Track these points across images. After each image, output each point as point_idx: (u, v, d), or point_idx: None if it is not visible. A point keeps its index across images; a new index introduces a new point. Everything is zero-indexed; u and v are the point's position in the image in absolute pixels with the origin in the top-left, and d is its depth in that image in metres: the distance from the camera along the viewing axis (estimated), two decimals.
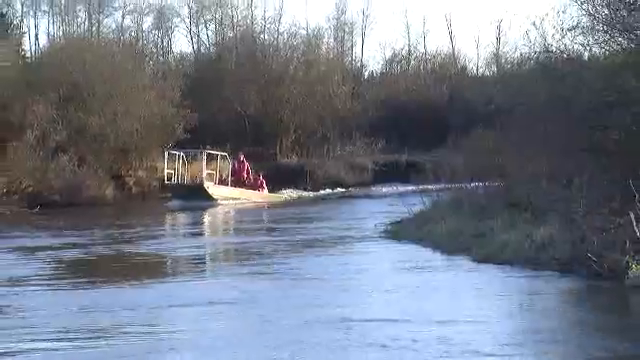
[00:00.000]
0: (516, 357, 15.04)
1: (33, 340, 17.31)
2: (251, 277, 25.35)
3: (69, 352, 16.23)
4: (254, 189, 55.58)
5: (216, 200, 51.93)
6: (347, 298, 21.41)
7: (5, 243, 35.71)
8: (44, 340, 17.24)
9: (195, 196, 50.54)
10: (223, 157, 56.56)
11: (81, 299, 22.28)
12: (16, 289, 24.18)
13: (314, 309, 19.85)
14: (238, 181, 55.22)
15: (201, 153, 55.10)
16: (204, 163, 54.17)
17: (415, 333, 16.57)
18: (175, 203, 50.86)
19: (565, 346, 16.01)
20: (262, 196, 55.28)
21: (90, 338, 17.35)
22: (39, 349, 16.57)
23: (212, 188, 52.93)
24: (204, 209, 49.25)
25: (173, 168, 54.96)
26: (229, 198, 52.88)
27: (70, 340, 17.10)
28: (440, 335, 16.37)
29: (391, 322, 17.88)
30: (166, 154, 55.22)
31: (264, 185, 56.61)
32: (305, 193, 60.12)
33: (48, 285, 25.49)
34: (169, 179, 54.48)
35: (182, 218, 47.29)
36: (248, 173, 56.19)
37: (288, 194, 58.67)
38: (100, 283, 25.51)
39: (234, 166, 56.35)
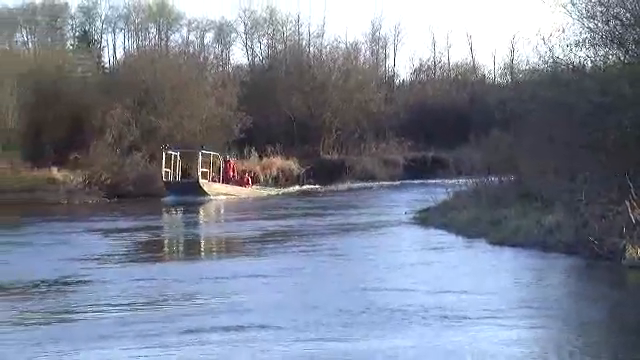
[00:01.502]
0: (523, 320, 15.31)
1: (106, 305, 18.09)
2: (292, 254, 25.73)
3: (133, 315, 16.83)
4: (240, 186, 53.55)
5: (209, 196, 50.10)
6: (375, 272, 21.77)
7: (89, 226, 36.28)
8: (115, 305, 17.97)
9: (190, 192, 49.09)
10: (215, 157, 54.33)
11: (147, 272, 22.86)
12: (97, 263, 24.86)
13: (345, 281, 20.33)
14: (225, 179, 53.50)
15: (197, 153, 52.55)
16: (200, 162, 51.93)
17: (426, 301, 16.92)
18: (170, 198, 48.75)
19: (565, 313, 16.32)
20: (247, 192, 53.18)
21: (151, 303, 18.01)
22: (111, 311, 17.36)
23: (206, 185, 51.08)
24: (202, 203, 48.09)
25: (170, 167, 52.16)
26: (220, 193, 50.87)
27: (135, 305, 17.82)
28: (448, 302, 16.75)
29: (409, 291, 18.27)
30: (164, 154, 51.91)
31: (250, 182, 54.91)
32: (291, 188, 57.80)
33: (121, 260, 26.15)
34: (166, 177, 51.72)
35: (223, 208, 46.67)
36: (234, 171, 54.35)
37: (273, 190, 56.46)
38: (164, 259, 26.01)
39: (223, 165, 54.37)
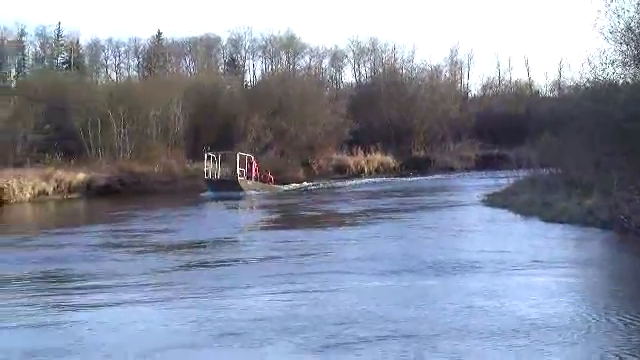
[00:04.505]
0: (560, 269, 15.43)
1: (246, 258, 19.01)
2: (378, 223, 25.93)
3: (265, 265, 17.73)
4: (264, 182, 48.36)
5: (244, 191, 45.26)
6: (442, 237, 21.99)
7: (237, 205, 37.11)
8: (252, 258, 18.87)
9: (227, 188, 44.29)
10: (249, 158, 48.53)
11: (275, 236, 23.62)
12: (240, 230, 26.14)
13: (415, 242, 20.65)
14: (250, 177, 47.97)
15: (235, 155, 47.54)
16: (238, 162, 46.75)
17: (480, 257, 17.11)
18: (209, 193, 44.03)
19: (596, 267, 16.31)
20: (270, 188, 47.79)
21: (277, 257, 18.67)
22: (249, 262, 18.29)
23: (242, 182, 46.27)
24: (240, 197, 43.24)
25: (209, 166, 47.54)
26: (251, 189, 45.96)
27: (265, 258, 18.62)
28: (493, 258, 16.87)
29: (463, 251, 18.43)
30: (205, 155, 47.52)
31: (272, 180, 49.30)
32: (304, 184, 52.29)
33: (258, 228, 27.11)
34: (207, 174, 47.06)
35: (328, 195, 44.18)
36: (257, 171, 48.62)
37: (290, 185, 50.83)
38: (288, 228, 26.34)
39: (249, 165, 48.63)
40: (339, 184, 52.74)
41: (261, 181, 48.39)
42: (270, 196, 43.77)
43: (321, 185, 52.03)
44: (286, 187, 49.45)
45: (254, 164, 48.66)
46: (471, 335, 10.26)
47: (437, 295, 13.04)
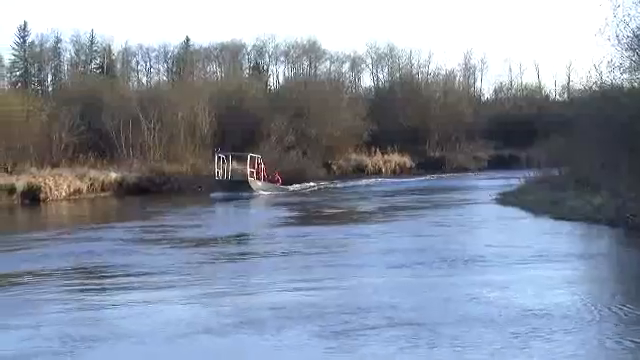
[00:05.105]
0: (568, 263, 15.44)
1: (268, 252, 19.11)
2: (394, 220, 26.05)
3: (284, 258, 17.91)
4: (273, 183, 46.22)
5: (254, 192, 43.33)
6: (455, 233, 22.00)
7: (257, 203, 37.15)
8: (274, 252, 18.97)
9: (239, 189, 42.30)
10: (259, 159, 46.25)
11: (296, 231, 23.75)
12: (263, 226, 26.13)
13: (430, 238, 20.60)
14: (259, 177, 45.52)
15: (246, 156, 45.42)
16: (249, 163, 44.81)
17: (491, 252, 17.15)
18: (218, 194, 41.51)
19: (602, 262, 16.38)
20: (279, 188, 45.75)
21: (294, 252, 18.79)
22: (271, 256, 18.42)
23: (252, 183, 44.08)
24: (251, 198, 41.67)
25: (220, 167, 45.02)
26: (262, 189, 44.06)
27: (285, 253, 18.73)
28: (507, 253, 16.86)
29: (473, 246, 18.58)
30: (216, 157, 45.50)
31: (280, 180, 46.98)
32: (309, 184, 50.18)
33: (281, 224, 26.90)
34: (217, 175, 44.62)
35: (344, 194, 43.59)
36: (264, 172, 46.15)
37: (298, 186, 48.51)
38: (306, 225, 26.44)
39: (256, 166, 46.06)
40: (357, 183, 52.17)
41: (269, 181, 46.91)
42: (283, 196, 43.17)
43: (338, 184, 51.45)
44: (297, 187, 48.14)
45: (262, 165, 46.89)
46: (478, 323, 10.38)
47: (448, 287, 13.15)
